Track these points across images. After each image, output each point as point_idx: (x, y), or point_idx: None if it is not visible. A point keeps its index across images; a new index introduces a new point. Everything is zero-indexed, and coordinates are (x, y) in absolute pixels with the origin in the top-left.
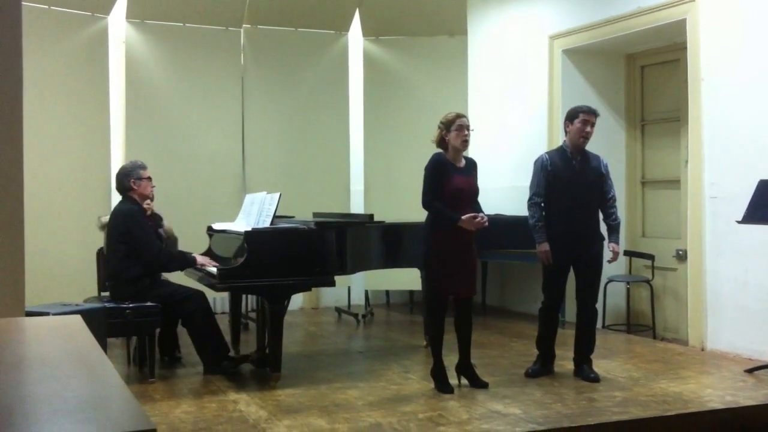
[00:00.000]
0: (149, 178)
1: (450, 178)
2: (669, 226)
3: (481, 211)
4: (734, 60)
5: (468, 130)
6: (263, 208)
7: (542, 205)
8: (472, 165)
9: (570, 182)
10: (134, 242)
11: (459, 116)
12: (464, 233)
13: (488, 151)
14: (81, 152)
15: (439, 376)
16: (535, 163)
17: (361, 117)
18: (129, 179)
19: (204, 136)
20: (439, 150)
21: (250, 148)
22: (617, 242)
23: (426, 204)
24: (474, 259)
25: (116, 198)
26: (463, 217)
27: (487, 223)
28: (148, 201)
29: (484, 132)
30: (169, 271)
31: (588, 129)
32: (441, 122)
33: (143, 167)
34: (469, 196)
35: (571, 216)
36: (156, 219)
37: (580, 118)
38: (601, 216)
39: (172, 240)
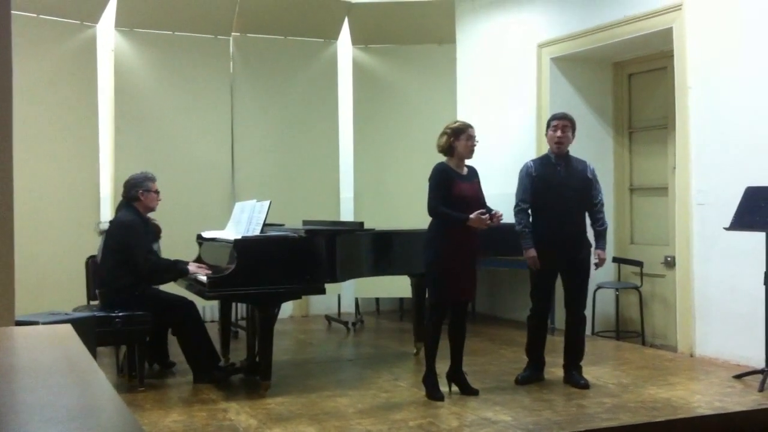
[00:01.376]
0: (157, 192)
1: (455, 185)
2: (657, 232)
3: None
4: (721, 67)
5: (475, 141)
6: (253, 216)
7: (528, 211)
8: (473, 172)
9: (555, 188)
10: (129, 255)
11: (468, 126)
12: (470, 239)
13: (477, 158)
14: (70, 160)
15: (430, 383)
16: (521, 170)
17: (350, 125)
18: (137, 189)
19: (193, 144)
20: (443, 159)
21: (239, 155)
22: (604, 248)
23: (432, 211)
24: (475, 263)
25: (105, 205)
26: (471, 216)
27: (492, 221)
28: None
29: None
30: (162, 283)
31: (559, 134)
32: (449, 128)
33: (153, 179)
34: (474, 201)
35: (557, 221)
36: (155, 230)
37: (551, 126)
38: (589, 222)
39: (156, 231)
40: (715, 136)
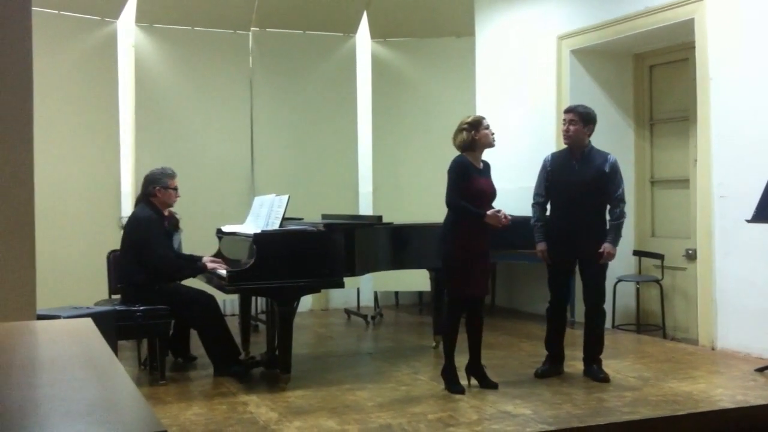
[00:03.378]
0: (175, 188)
1: (473, 179)
2: (678, 225)
3: None
4: (742, 59)
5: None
6: (272, 210)
7: (544, 205)
8: (488, 167)
9: (566, 182)
10: (147, 251)
11: (482, 117)
12: (485, 234)
13: (496, 151)
14: (91, 156)
15: (449, 376)
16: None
17: (369, 119)
18: (153, 186)
19: (213, 139)
20: (459, 153)
21: (258, 150)
22: (612, 242)
23: (451, 203)
24: (489, 259)
25: (126, 200)
26: (488, 213)
27: (508, 221)
28: (170, 209)
29: None
30: (179, 279)
31: (564, 127)
32: (465, 123)
33: (171, 176)
34: (490, 197)
35: (568, 215)
36: (173, 221)
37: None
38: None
39: (174, 222)
40: (736, 128)
